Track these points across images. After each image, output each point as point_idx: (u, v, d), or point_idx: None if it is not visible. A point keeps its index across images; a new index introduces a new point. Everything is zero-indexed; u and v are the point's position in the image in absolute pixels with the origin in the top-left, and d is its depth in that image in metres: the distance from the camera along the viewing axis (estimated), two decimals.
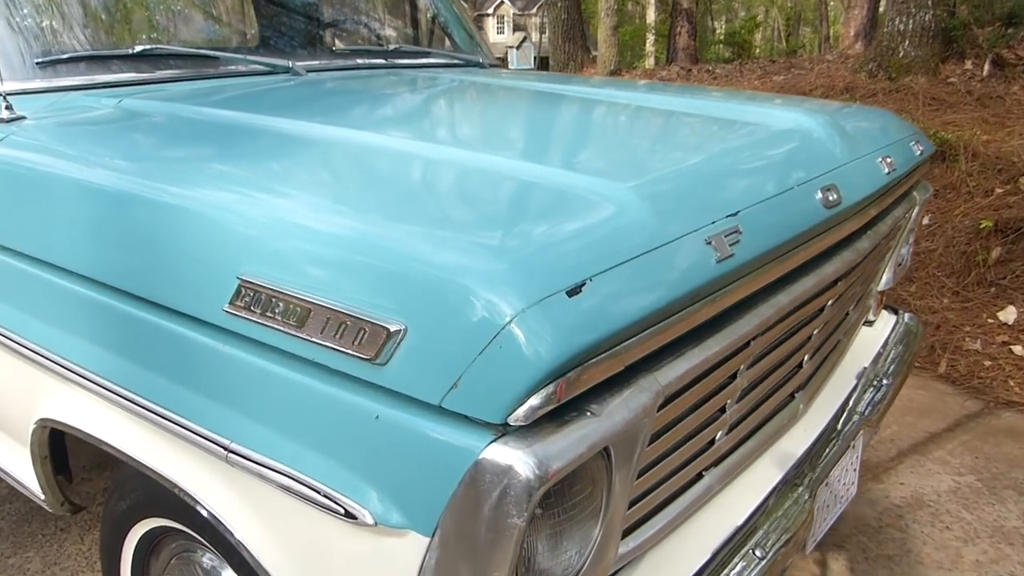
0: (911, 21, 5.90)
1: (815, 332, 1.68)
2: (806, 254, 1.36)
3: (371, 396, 0.93)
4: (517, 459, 0.84)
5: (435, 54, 2.64)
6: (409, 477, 0.91)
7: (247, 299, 1.03)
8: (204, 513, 1.15)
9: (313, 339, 0.96)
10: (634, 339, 0.95)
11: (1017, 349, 3.64)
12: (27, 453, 1.49)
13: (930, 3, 5.84)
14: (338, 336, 0.94)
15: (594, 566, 1.02)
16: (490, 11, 48.74)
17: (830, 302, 1.66)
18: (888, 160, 1.73)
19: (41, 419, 1.39)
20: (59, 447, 1.49)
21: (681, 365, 1.07)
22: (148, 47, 1.84)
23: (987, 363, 3.62)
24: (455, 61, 2.67)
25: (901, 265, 2.49)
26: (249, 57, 1.98)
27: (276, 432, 1.03)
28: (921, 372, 3.69)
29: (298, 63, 2.13)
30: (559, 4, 11.36)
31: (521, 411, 0.85)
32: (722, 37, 21.57)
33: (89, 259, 1.23)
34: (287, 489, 1.00)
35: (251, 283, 1.02)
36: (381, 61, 2.46)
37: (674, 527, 1.33)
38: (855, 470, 1.87)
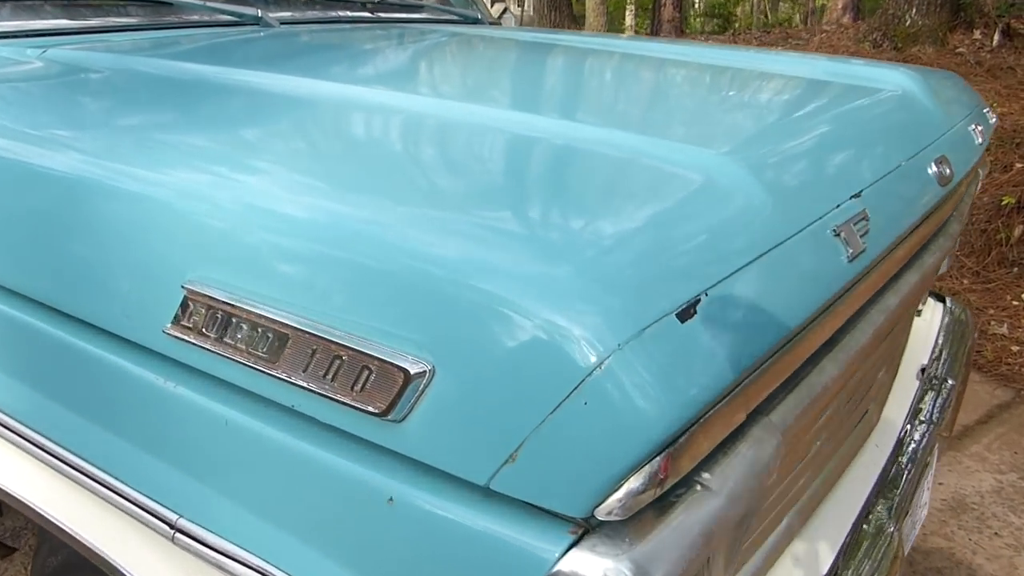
0: None
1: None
2: (919, 241, 1.07)
3: (380, 468, 0.63)
4: (613, 573, 0.54)
5: (427, 8, 2.31)
6: None
7: (196, 317, 0.72)
8: None
9: (292, 379, 0.66)
10: (758, 373, 0.66)
11: None
12: None
13: None
14: (330, 376, 0.63)
15: None
16: None
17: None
18: (979, 128, 1.45)
19: None
20: None
21: (798, 399, 0.78)
22: None
23: (1015, 348, 3.39)
24: (450, 17, 2.34)
25: (950, 251, 2.23)
26: (209, 3, 1.64)
27: (240, 506, 0.72)
28: None
29: (269, 13, 1.80)
30: None
31: (616, 499, 0.55)
32: (702, 9, 21.22)
33: None
34: None
35: (201, 294, 0.72)
36: (365, 14, 2.13)
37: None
38: (929, 489, 1.60)
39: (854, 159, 0.92)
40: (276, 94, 1.05)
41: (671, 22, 13.06)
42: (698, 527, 0.60)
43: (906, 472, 1.46)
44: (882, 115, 1.07)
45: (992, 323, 3.54)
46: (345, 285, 0.64)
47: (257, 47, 1.53)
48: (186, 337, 0.73)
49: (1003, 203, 3.89)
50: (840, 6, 11.02)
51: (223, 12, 1.69)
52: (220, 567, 0.73)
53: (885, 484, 1.41)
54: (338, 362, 0.63)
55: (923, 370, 1.93)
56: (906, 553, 1.49)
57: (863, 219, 0.82)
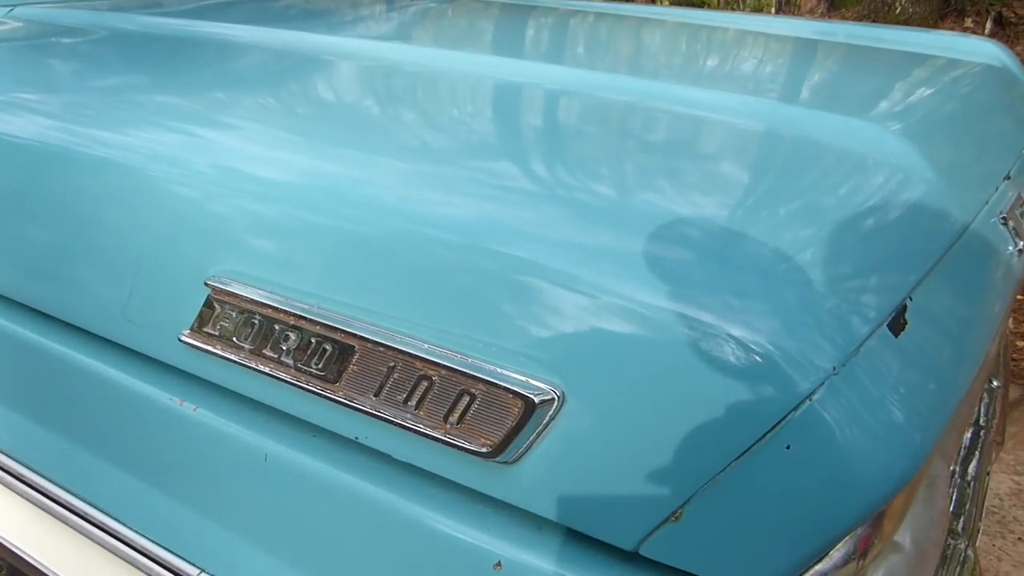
0: None
1: None
2: None
3: (485, 525, 0.48)
4: None
5: None
6: None
7: (224, 321, 0.57)
8: None
9: (357, 404, 0.50)
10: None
11: None
12: None
13: None
14: (413, 403, 0.48)
15: None
16: None
17: None
18: None
19: None
20: None
21: (954, 421, 0.64)
22: None
23: (1020, 344, 3.32)
24: None
25: None
26: None
27: (281, 563, 0.57)
28: None
29: None
30: None
31: (816, 572, 0.41)
32: None
33: None
34: None
35: (231, 293, 0.56)
36: None
37: None
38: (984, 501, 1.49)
39: (991, 137, 0.78)
40: (308, 54, 0.89)
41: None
42: None
43: (972, 484, 1.34)
44: (993, 89, 0.94)
45: None
46: (435, 284, 0.48)
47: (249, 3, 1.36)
48: (210, 347, 0.57)
49: None
50: None
51: None
52: None
53: (957, 500, 1.30)
54: (425, 384, 0.48)
55: None
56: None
57: (1021, 204, 0.69)
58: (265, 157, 0.60)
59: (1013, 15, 5.42)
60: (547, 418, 0.44)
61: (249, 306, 0.55)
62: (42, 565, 0.69)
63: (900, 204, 0.54)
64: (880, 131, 0.62)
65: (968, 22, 5.38)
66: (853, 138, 0.61)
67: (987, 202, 0.64)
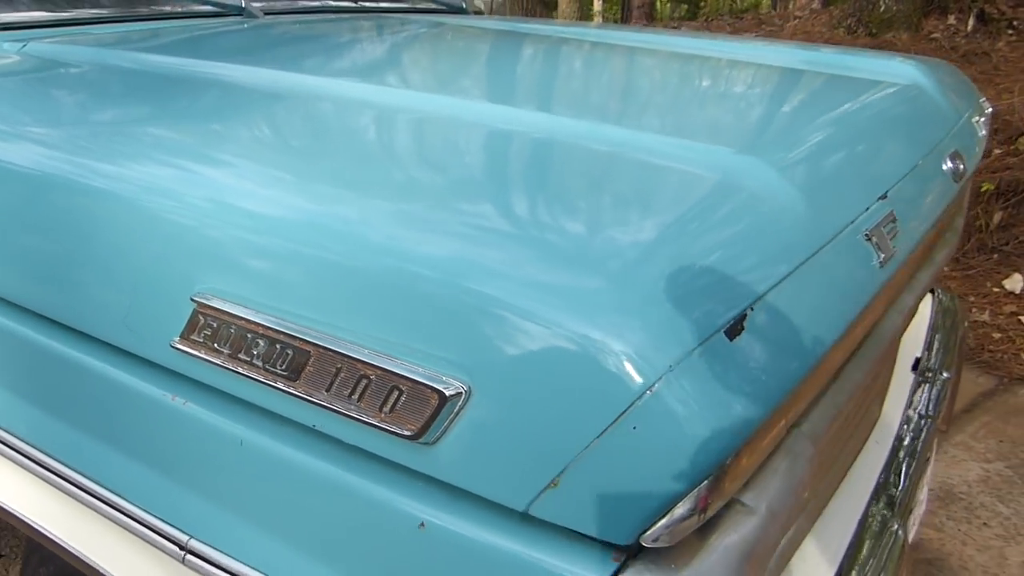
0: None
1: None
2: (934, 238, 1.06)
3: (412, 493, 0.60)
4: None
5: None
6: None
7: (207, 331, 0.69)
8: None
9: (313, 398, 0.63)
10: (799, 386, 0.64)
11: None
12: None
13: None
14: (356, 396, 0.60)
15: None
16: None
17: None
18: (981, 120, 1.44)
19: None
20: None
21: (827, 407, 0.76)
22: None
23: (996, 335, 3.42)
24: (434, 6, 2.30)
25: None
26: None
27: (255, 528, 0.69)
28: None
29: (253, 3, 1.74)
30: None
31: (662, 525, 0.53)
32: None
33: None
34: None
35: (212, 307, 0.68)
36: (350, 4, 2.08)
37: None
38: (928, 484, 1.61)
39: (876, 158, 0.90)
40: (280, 93, 1.01)
41: (641, 8, 13.02)
42: (741, 548, 0.58)
43: (905, 467, 1.45)
44: (896, 110, 1.05)
45: (974, 310, 3.57)
46: (373, 301, 0.60)
47: (246, 39, 1.48)
48: (196, 352, 0.69)
49: (983, 189, 3.92)
50: None
51: (208, 3, 1.63)
52: None
53: (888, 481, 1.41)
54: (365, 382, 0.60)
55: (916, 363, 1.93)
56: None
57: (892, 221, 0.81)
58: (241, 190, 0.72)
59: (996, 11, 5.51)
60: (457, 407, 0.56)
61: (227, 318, 0.67)
62: (56, 536, 0.81)
63: (751, 224, 0.65)
64: (739, 157, 0.74)
65: (951, 19, 5.47)
66: (708, 164, 0.72)
67: (854, 220, 0.75)
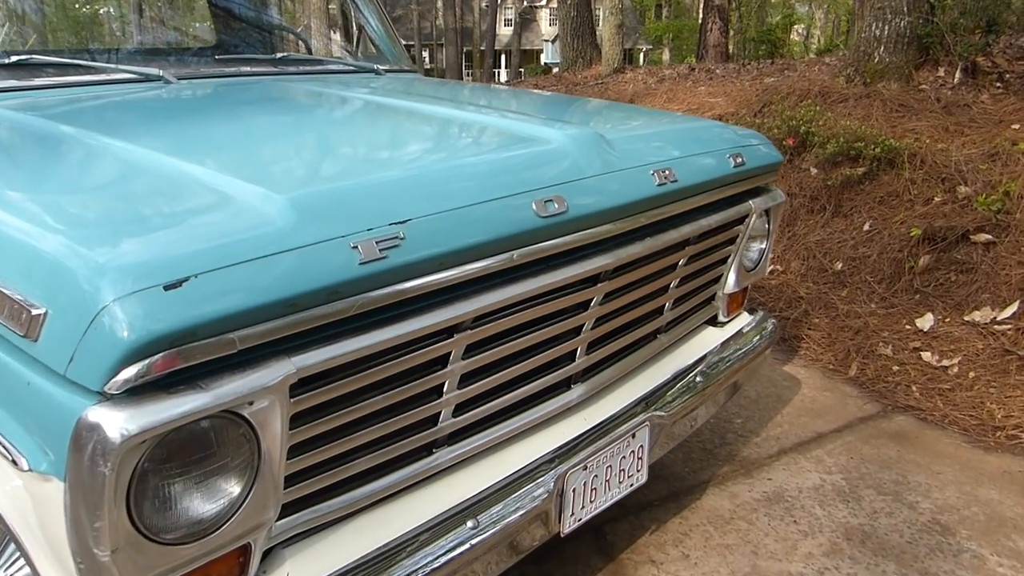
0: (887, 27, 5.90)
1: (585, 326, 1.82)
2: (522, 257, 1.51)
3: (28, 365, 1.13)
4: (106, 420, 1.02)
5: (327, 61, 2.82)
6: (50, 433, 1.10)
7: None
8: None
9: None
10: (255, 328, 1.13)
11: (926, 356, 3.71)
12: None
13: (906, 9, 5.83)
14: (9, 315, 1.14)
15: (247, 520, 1.21)
16: (543, 2, 48.01)
17: (595, 300, 1.80)
18: (665, 173, 1.88)
19: None
20: None
21: (325, 352, 1.24)
22: None
23: (895, 368, 3.70)
24: (348, 68, 2.85)
25: (753, 271, 2.59)
26: (112, 64, 2.19)
27: None
28: (833, 375, 3.78)
29: (172, 71, 2.33)
30: (568, 2, 11.44)
31: (116, 381, 1.03)
32: (754, 35, 21.31)
33: None
34: None
35: None
36: (269, 68, 2.65)
37: (391, 494, 1.52)
38: (640, 459, 1.99)
39: (419, 195, 1.39)
40: (79, 144, 1.59)
41: (716, 47, 13.35)
42: (175, 404, 1.06)
43: (589, 440, 1.85)
44: (495, 159, 1.55)
45: (880, 344, 3.85)
46: (18, 264, 1.14)
47: (132, 105, 2.07)
48: None
49: (912, 234, 4.19)
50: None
51: (128, 71, 2.23)
52: None
53: (574, 448, 1.82)
54: (13, 307, 1.13)
55: (685, 369, 2.30)
56: (595, 503, 1.88)
57: (395, 238, 1.28)
58: None
59: (990, 64, 5.70)
60: (43, 320, 1.09)
61: None
62: None
63: (229, 229, 1.16)
64: (259, 190, 1.26)
65: (941, 71, 5.69)
66: (238, 194, 1.25)
67: (345, 235, 1.24)
